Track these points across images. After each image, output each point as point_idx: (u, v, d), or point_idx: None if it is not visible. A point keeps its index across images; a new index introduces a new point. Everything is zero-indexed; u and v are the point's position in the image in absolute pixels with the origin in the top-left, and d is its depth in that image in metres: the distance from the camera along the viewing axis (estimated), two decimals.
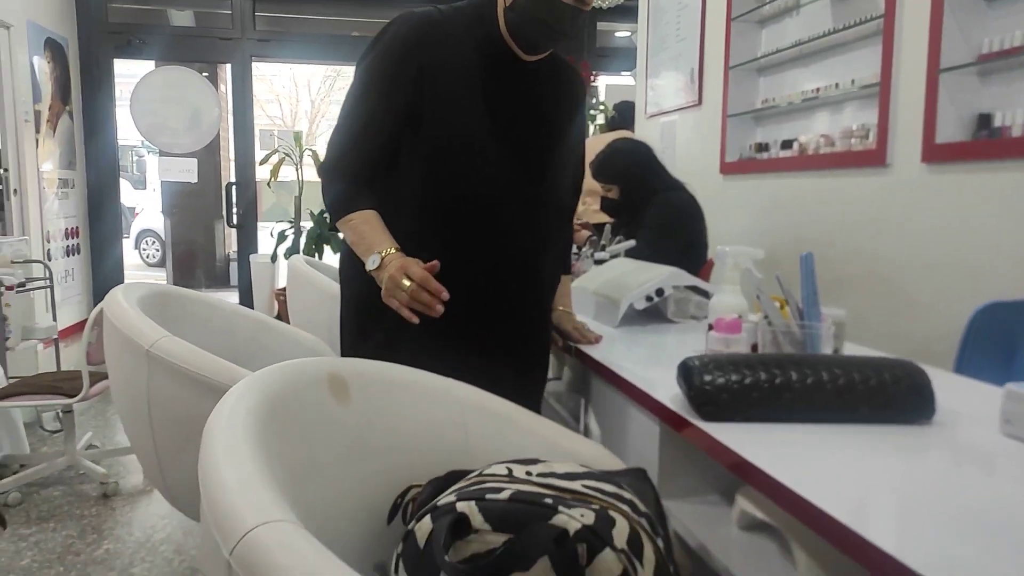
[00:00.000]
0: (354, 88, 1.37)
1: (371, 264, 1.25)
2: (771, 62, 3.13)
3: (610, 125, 4.53)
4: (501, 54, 1.35)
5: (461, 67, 1.32)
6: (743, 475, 0.89)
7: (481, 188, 1.33)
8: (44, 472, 2.83)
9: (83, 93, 5.91)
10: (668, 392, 1.10)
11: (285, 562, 0.53)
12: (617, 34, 7.71)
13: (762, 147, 3.18)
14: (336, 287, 2.23)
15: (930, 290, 2.18)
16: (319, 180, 1.40)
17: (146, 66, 6.52)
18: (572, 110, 1.48)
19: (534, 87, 1.39)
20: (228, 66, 6.37)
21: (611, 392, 1.30)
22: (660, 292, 1.66)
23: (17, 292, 3.66)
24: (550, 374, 1.93)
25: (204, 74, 6.41)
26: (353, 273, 1.41)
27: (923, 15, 2.15)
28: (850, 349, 1.36)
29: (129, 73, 6.47)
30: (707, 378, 0.97)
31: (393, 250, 1.24)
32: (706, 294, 1.72)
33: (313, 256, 5.44)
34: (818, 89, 2.83)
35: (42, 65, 5.21)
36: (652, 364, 1.42)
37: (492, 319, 1.37)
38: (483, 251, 1.35)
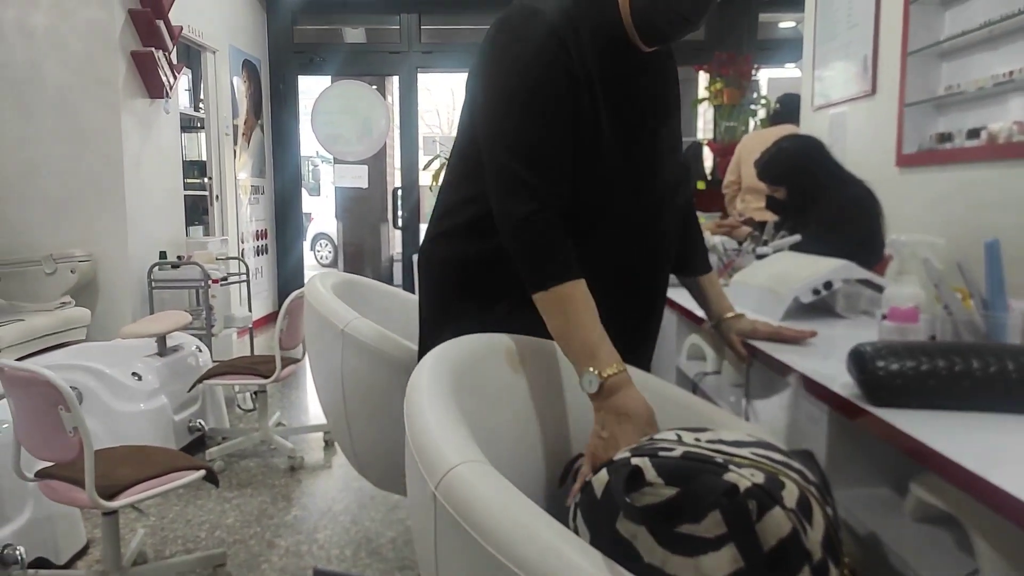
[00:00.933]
0: (518, 97, 1.09)
1: (588, 386, 0.97)
2: (956, 45, 2.91)
3: (772, 119, 4.40)
4: (620, 45, 1.17)
5: (599, 70, 1.13)
6: (922, 461, 0.87)
7: (642, 199, 1.19)
8: (242, 445, 3.19)
9: (272, 108, 6.53)
10: (837, 381, 1.09)
11: (487, 494, 0.62)
12: (781, 25, 7.41)
13: (945, 137, 2.96)
14: None
15: None
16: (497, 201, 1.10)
17: (324, 82, 7.09)
18: (678, 93, 1.33)
19: (653, 78, 1.24)
20: (395, 78, 6.78)
21: (774, 381, 1.30)
22: (828, 285, 1.61)
23: (221, 285, 4.14)
24: (709, 367, 1.94)
25: (374, 86, 6.88)
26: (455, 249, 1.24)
27: None
28: None
29: (309, 90, 7.05)
30: (880, 364, 0.96)
31: (620, 369, 0.98)
32: (879, 288, 1.65)
33: None
34: (1011, 72, 2.60)
35: (239, 84, 5.83)
36: (819, 357, 1.40)
37: (638, 322, 1.26)
38: (645, 263, 1.23)
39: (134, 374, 2.91)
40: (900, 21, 3.10)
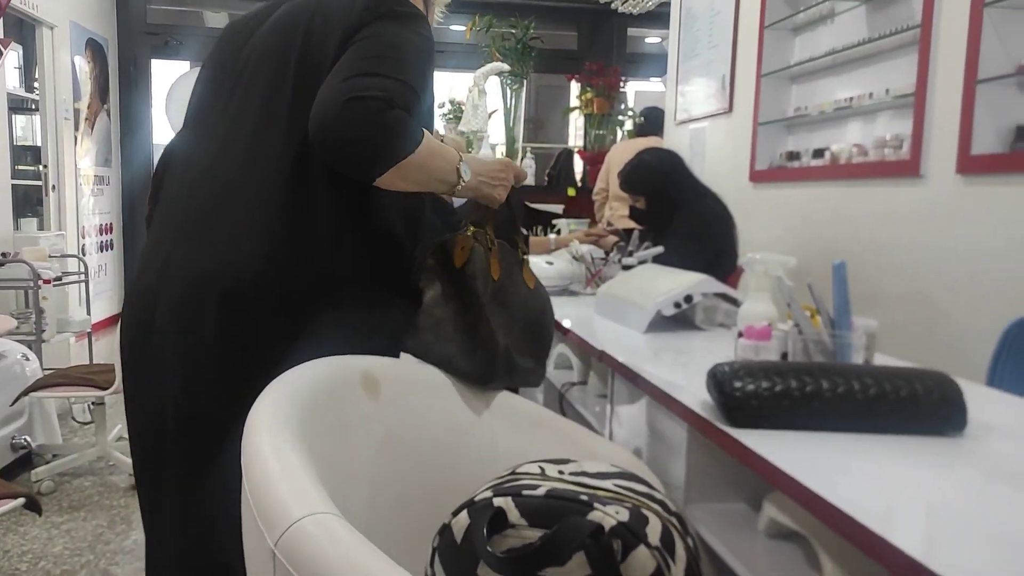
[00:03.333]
0: (413, 44, 1.02)
1: (467, 175, 1.06)
2: (804, 70, 3.11)
3: (638, 131, 4.54)
4: None
5: None
6: (773, 481, 0.89)
7: None
8: (75, 462, 2.89)
9: (120, 92, 6.04)
10: (696, 398, 1.10)
11: (332, 551, 0.55)
12: (647, 40, 7.71)
13: (793, 155, 3.16)
14: None
15: (963, 303, 2.15)
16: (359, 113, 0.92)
17: (183, 67, 6.65)
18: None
19: None
20: None
21: (637, 396, 1.31)
22: (689, 299, 1.66)
23: (54, 286, 3.75)
24: (575, 377, 1.94)
25: None
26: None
27: (961, 25, 2.13)
28: (881, 361, 1.35)
29: (164, 75, 6.59)
30: (737, 384, 0.98)
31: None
32: (735, 302, 1.72)
33: None
34: (851, 98, 2.81)
35: (82, 64, 5.34)
36: (680, 370, 1.43)
37: None
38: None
39: None
40: (756, 44, 3.28)
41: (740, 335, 1.21)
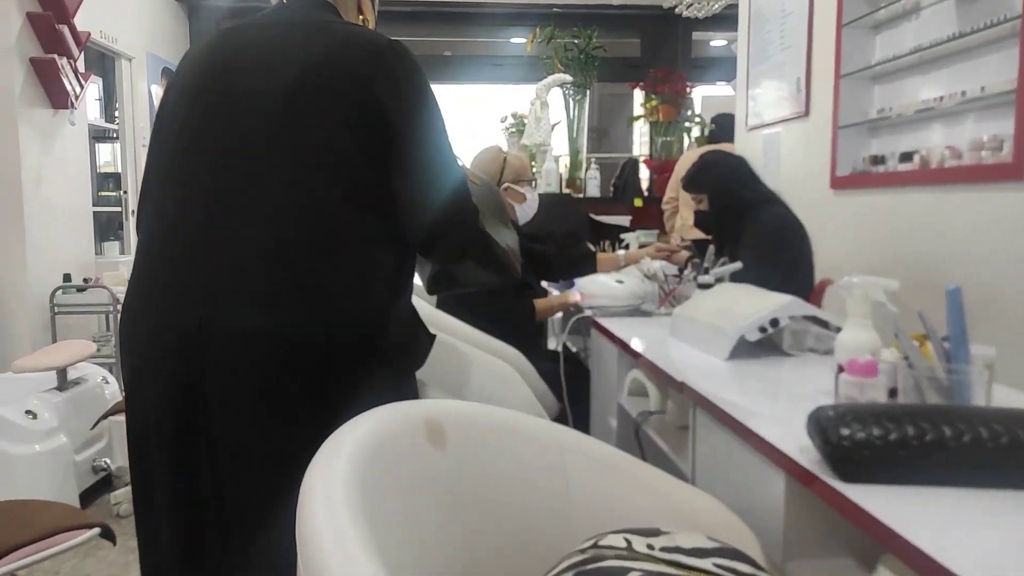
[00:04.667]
0: (444, 130, 1.17)
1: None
2: (887, 69, 2.93)
3: (708, 139, 4.39)
4: None
5: None
6: (889, 545, 0.78)
7: None
8: None
9: None
10: (795, 442, 0.99)
11: None
12: (712, 43, 7.51)
13: (878, 160, 2.97)
14: (429, 308, 2.21)
15: None
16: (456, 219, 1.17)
17: None
18: None
19: None
20: None
21: (724, 434, 1.20)
22: (775, 322, 1.54)
23: None
24: (652, 405, 1.84)
25: None
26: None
27: None
28: (1001, 395, 1.21)
29: None
30: (845, 432, 0.87)
31: None
32: (826, 324, 1.59)
33: None
34: (941, 97, 2.61)
35: (159, 92, 5.52)
36: (770, 404, 1.31)
37: None
38: None
39: (28, 412, 2.64)
40: (833, 44, 3.11)
41: (841, 369, 1.10)
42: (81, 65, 3.96)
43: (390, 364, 1.12)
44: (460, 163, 1.23)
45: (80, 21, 3.96)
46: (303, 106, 1.06)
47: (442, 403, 0.95)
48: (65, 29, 3.67)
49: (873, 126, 3.04)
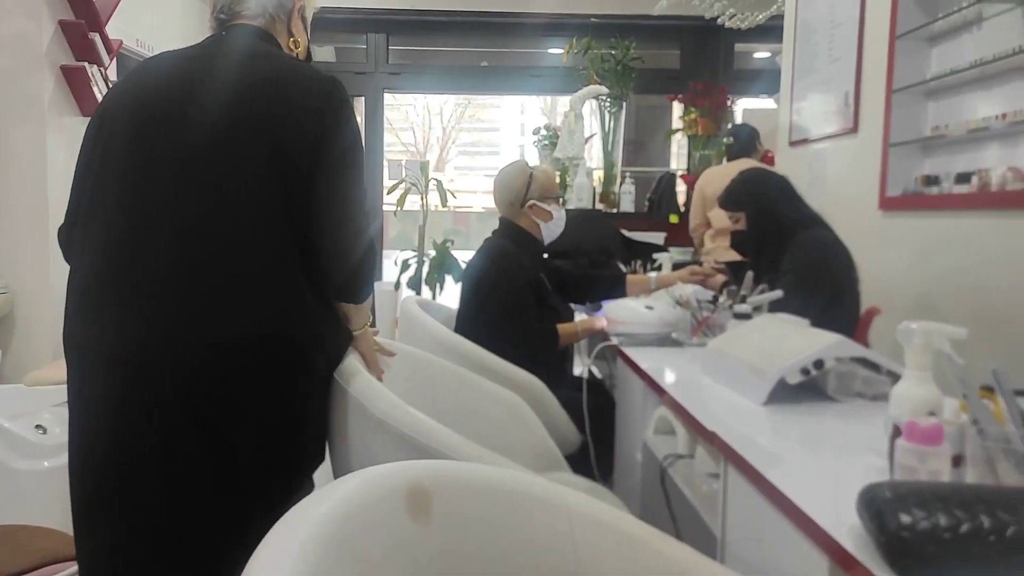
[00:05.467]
0: (359, 171, 1.26)
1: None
2: (944, 84, 2.74)
3: (728, 153, 4.09)
4: None
5: None
6: None
7: None
8: None
9: None
10: (842, 521, 0.84)
11: None
12: (756, 55, 7.31)
13: (931, 180, 2.78)
14: (445, 332, 2.10)
15: None
16: (362, 247, 1.26)
17: None
18: None
19: None
20: (362, 99, 6.55)
21: (759, 499, 1.05)
22: (819, 364, 1.38)
23: None
24: (680, 448, 1.69)
25: None
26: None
27: None
28: None
29: None
30: (906, 519, 0.72)
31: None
32: (876, 367, 1.43)
33: (434, 286, 5.42)
34: (1004, 115, 2.42)
35: None
36: (812, 463, 1.16)
37: None
38: None
39: (38, 427, 2.58)
40: (885, 57, 2.93)
41: (897, 432, 0.94)
42: (113, 73, 3.96)
43: (303, 363, 1.19)
44: (369, 207, 1.30)
45: (116, 29, 3.95)
46: (224, 140, 1.15)
47: (431, 466, 0.83)
48: (97, 37, 3.66)
49: (927, 144, 2.85)
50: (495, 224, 2.51)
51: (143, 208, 1.13)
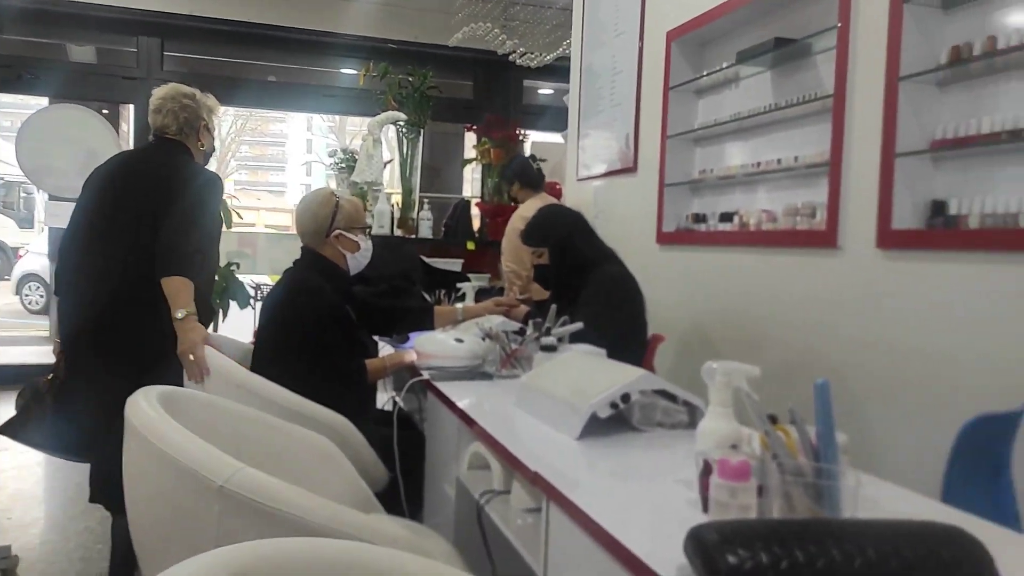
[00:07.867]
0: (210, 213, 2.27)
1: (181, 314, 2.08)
2: (709, 133, 3.07)
3: (509, 182, 4.05)
4: None
5: None
6: None
7: None
8: None
9: None
10: (669, 554, 0.89)
11: None
12: (540, 91, 7.73)
13: (700, 218, 3.09)
14: (244, 374, 1.94)
15: (884, 380, 2.08)
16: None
17: (42, 102, 6.04)
18: None
19: None
20: (131, 107, 5.95)
21: (586, 539, 1.08)
22: (626, 397, 1.46)
23: None
24: (495, 483, 1.69)
25: (104, 111, 5.97)
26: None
27: (876, 98, 2.10)
28: None
29: (23, 105, 5.97)
30: (733, 560, 0.77)
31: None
32: (673, 398, 1.54)
33: (217, 312, 5.03)
34: (758, 163, 2.77)
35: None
36: (624, 487, 1.22)
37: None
38: None
39: None
40: (660, 105, 3.22)
41: (707, 467, 1.02)
42: None
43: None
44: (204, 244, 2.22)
45: None
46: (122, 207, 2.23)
47: (251, 548, 0.74)
48: None
49: (695, 186, 3.17)
50: (284, 247, 2.42)
51: (89, 233, 2.23)
